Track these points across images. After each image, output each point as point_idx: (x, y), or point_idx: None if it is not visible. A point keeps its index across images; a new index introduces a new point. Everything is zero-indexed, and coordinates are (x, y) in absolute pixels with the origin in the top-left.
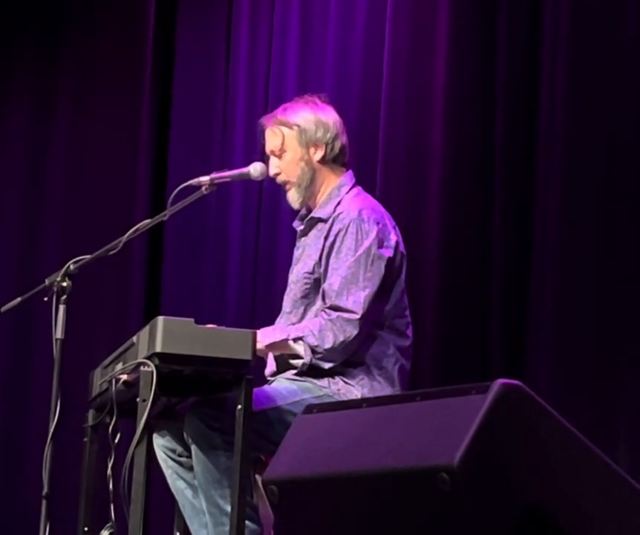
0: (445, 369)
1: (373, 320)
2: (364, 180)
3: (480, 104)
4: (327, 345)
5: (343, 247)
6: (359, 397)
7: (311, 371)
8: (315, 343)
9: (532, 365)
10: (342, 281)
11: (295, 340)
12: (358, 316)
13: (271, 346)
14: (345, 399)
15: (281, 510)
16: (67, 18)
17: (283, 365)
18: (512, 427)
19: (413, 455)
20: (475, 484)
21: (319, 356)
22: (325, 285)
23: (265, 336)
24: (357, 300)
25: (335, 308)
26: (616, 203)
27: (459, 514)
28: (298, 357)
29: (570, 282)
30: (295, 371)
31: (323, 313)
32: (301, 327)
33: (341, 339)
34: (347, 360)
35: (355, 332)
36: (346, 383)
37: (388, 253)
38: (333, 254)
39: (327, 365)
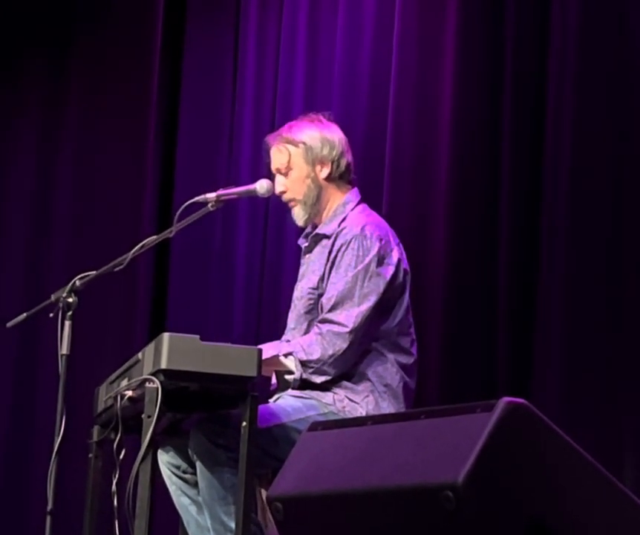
0: (451, 387)
1: (376, 338)
2: (371, 195)
3: (488, 118)
4: (315, 358)
5: (343, 263)
6: (364, 414)
7: (317, 388)
8: (305, 358)
9: (539, 382)
10: (338, 296)
11: (286, 356)
12: (347, 329)
13: (263, 363)
14: (350, 416)
15: (285, 527)
16: (77, 32)
17: (283, 383)
18: (517, 446)
19: (417, 473)
20: (480, 502)
21: (310, 370)
22: (323, 299)
23: None
24: (349, 315)
25: (326, 321)
26: (626, 215)
27: (463, 532)
28: (291, 372)
29: (577, 299)
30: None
31: (315, 327)
32: (293, 343)
33: (330, 352)
34: (352, 377)
35: (344, 346)
36: (351, 400)
37: (389, 270)
38: (334, 269)
39: (318, 380)
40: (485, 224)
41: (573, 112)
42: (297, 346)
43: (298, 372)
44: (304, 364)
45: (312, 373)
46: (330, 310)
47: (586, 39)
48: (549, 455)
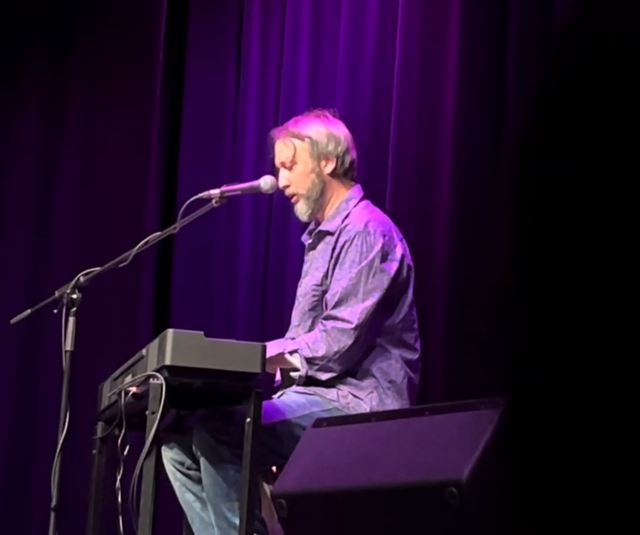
0: (455, 383)
1: (380, 334)
2: (374, 194)
3: (491, 119)
4: (320, 355)
5: (347, 259)
6: (368, 410)
7: (321, 385)
8: (310, 355)
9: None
10: (342, 292)
11: (291, 353)
12: (352, 326)
13: (268, 361)
14: (354, 412)
15: (289, 523)
16: (78, 31)
17: (287, 380)
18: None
19: (422, 470)
20: (484, 499)
21: (315, 367)
22: (327, 295)
23: None
24: (354, 311)
25: (330, 318)
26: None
27: (468, 529)
28: (297, 370)
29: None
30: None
31: (319, 324)
32: (298, 340)
33: (335, 349)
34: (356, 373)
35: (349, 342)
36: (355, 396)
37: (392, 266)
38: (338, 265)
39: (324, 377)
40: (489, 219)
41: None
42: (302, 343)
43: (303, 369)
44: (309, 361)
45: (318, 370)
46: (334, 307)
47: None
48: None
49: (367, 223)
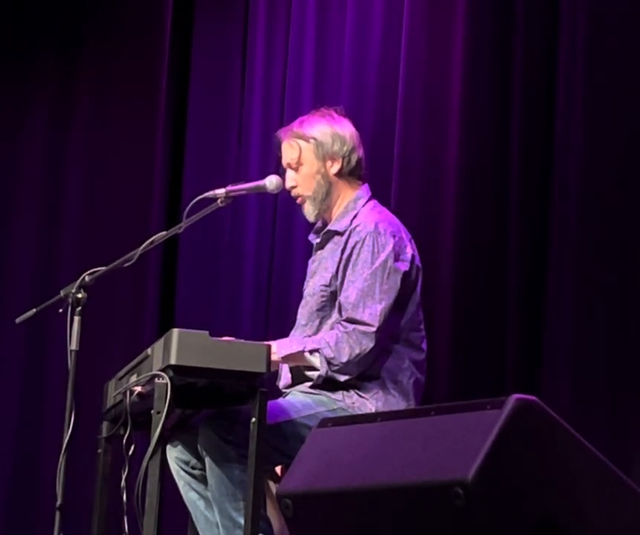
0: (460, 383)
1: (388, 334)
2: (380, 193)
3: (497, 117)
4: (344, 359)
5: (359, 260)
6: (374, 411)
7: (326, 385)
8: (332, 355)
9: (549, 378)
10: (358, 294)
11: (311, 352)
12: (374, 329)
13: (287, 358)
14: (360, 413)
15: (295, 524)
16: (85, 35)
17: (298, 377)
18: (527, 442)
19: (427, 470)
20: (489, 499)
21: (335, 368)
22: (341, 298)
23: (281, 348)
24: (373, 313)
25: (351, 321)
26: (633, 211)
27: (473, 529)
28: (314, 369)
29: (587, 293)
30: (310, 384)
31: (339, 325)
32: (317, 339)
33: (357, 351)
34: (362, 373)
35: (371, 345)
36: (360, 396)
37: (404, 266)
38: (350, 266)
39: (342, 378)
40: (495, 219)
41: (582, 101)
42: (322, 343)
43: (323, 369)
44: (329, 362)
45: (337, 371)
46: (352, 309)
47: (595, 44)
48: (558, 451)
49: (377, 223)
